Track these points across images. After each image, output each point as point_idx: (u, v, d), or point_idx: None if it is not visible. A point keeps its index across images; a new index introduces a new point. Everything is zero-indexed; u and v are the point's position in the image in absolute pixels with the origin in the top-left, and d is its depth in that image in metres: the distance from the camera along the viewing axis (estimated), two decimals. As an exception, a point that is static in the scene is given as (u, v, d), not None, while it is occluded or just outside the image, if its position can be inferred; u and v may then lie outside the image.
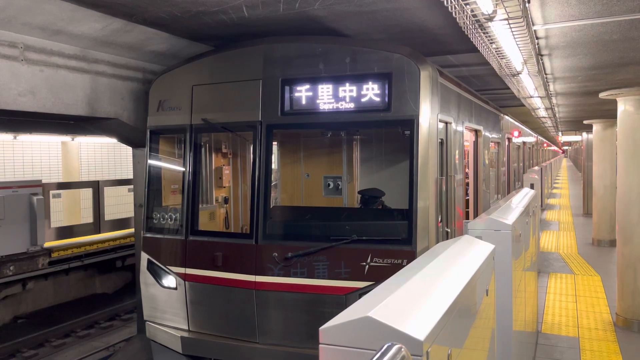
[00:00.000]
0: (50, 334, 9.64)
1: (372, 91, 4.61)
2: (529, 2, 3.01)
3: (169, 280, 5.23)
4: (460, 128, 5.83)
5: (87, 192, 13.48)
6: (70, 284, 11.40)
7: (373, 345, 1.47)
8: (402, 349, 1.30)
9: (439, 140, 4.88)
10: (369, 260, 4.43)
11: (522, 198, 5.55)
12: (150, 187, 5.55)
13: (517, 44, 3.80)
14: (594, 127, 12.98)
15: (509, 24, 3.12)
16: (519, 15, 2.95)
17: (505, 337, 3.47)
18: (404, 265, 3.15)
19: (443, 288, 2.10)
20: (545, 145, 34.98)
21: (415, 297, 1.95)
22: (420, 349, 1.49)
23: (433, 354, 1.59)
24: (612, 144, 12.20)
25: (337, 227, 4.90)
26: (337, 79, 4.71)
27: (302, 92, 4.83)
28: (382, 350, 1.29)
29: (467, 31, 3.24)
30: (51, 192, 12.27)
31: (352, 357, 1.55)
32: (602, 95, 7.44)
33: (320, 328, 1.61)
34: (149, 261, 5.38)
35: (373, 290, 2.04)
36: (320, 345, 1.59)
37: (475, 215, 7.24)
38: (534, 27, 3.67)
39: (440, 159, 4.92)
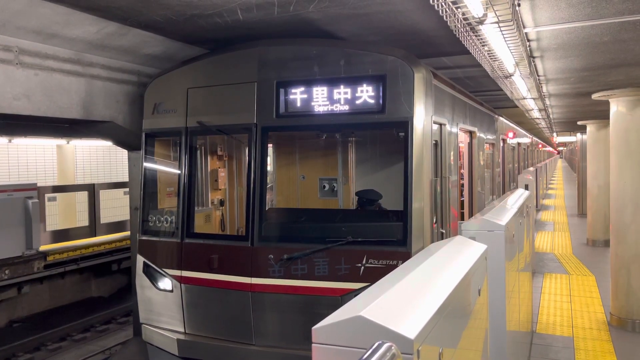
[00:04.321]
0: (46, 337, 9.60)
1: (366, 93, 4.63)
2: (519, 5, 3.05)
3: (165, 283, 5.23)
4: (454, 129, 5.86)
5: (83, 195, 13.45)
6: (66, 287, 11.36)
7: (365, 344, 1.49)
8: (393, 347, 1.33)
9: (434, 142, 4.91)
10: (364, 262, 4.45)
11: (516, 199, 5.59)
12: (145, 189, 5.55)
13: (509, 47, 3.84)
14: (588, 128, 13.07)
15: (499, 26, 3.16)
16: (509, 18, 2.98)
17: (498, 337, 3.50)
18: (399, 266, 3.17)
19: (435, 288, 2.13)
20: (540, 146, 35.13)
21: (407, 297, 1.98)
22: (411, 348, 1.51)
23: (424, 353, 1.61)
24: (605, 144, 12.25)
25: (332, 229, 4.92)
26: (332, 81, 4.73)
27: (297, 95, 4.86)
28: (373, 348, 1.31)
29: (459, 34, 3.28)
30: (46, 195, 12.23)
31: (344, 356, 1.57)
32: (594, 96, 7.50)
33: (313, 327, 1.63)
34: (145, 264, 5.38)
35: (366, 290, 2.06)
36: (313, 345, 1.61)
37: (470, 216, 7.28)
38: (525, 30, 3.71)
39: (434, 161, 4.95)
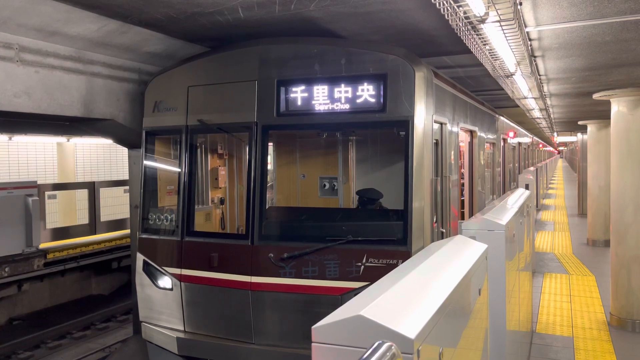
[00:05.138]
0: (46, 335, 9.61)
1: (367, 92, 4.63)
2: (520, 4, 3.04)
3: (165, 281, 5.23)
4: (455, 129, 5.86)
5: (83, 193, 13.46)
6: (66, 285, 11.37)
7: (365, 344, 1.49)
8: (393, 347, 1.32)
9: (434, 141, 4.91)
10: (364, 261, 4.44)
11: (516, 198, 5.59)
12: (146, 188, 5.55)
13: (510, 46, 3.83)
14: (589, 128, 13.06)
15: (501, 25, 3.15)
16: (511, 17, 2.98)
17: (498, 337, 3.50)
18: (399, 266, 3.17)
19: (435, 287, 2.12)
20: (540, 145, 35.13)
21: (407, 296, 1.97)
22: (411, 347, 1.51)
23: (424, 353, 1.60)
24: (606, 144, 12.24)
25: (332, 228, 4.91)
26: (333, 80, 4.72)
27: (298, 93, 4.85)
28: (373, 348, 1.31)
29: (460, 33, 3.27)
30: (47, 193, 12.23)
31: (344, 355, 1.56)
32: (595, 96, 7.49)
33: (313, 327, 1.62)
34: (145, 262, 5.38)
35: (366, 289, 2.06)
36: (312, 344, 1.61)
37: (471, 215, 7.28)
38: (527, 29, 3.71)
39: (435, 160, 4.94)
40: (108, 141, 15.09)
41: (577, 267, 10.18)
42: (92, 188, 12.89)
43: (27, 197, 10.31)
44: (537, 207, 18.97)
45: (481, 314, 2.84)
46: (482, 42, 3.67)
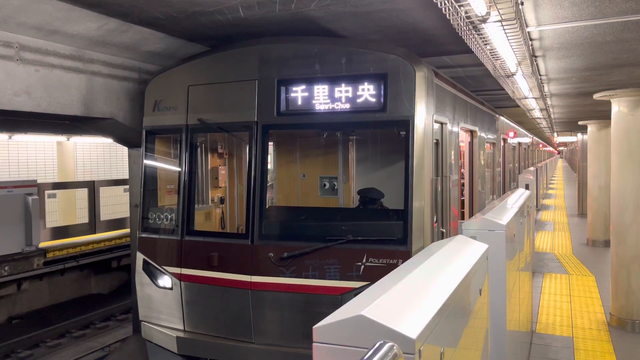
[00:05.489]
0: (46, 334, 9.61)
1: (367, 92, 4.62)
2: (522, 4, 3.04)
3: (165, 281, 5.23)
4: (455, 129, 5.85)
5: (83, 192, 13.45)
6: (66, 284, 11.37)
7: (366, 344, 1.48)
8: (394, 347, 1.32)
9: (435, 141, 4.90)
10: (364, 261, 4.44)
11: (517, 198, 5.58)
12: (146, 187, 5.55)
13: (511, 46, 3.83)
14: (589, 128, 13.05)
15: (502, 25, 3.15)
16: (512, 17, 2.97)
17: (499, 337, 3.50)
18: (399, 266, 3.17)
19: (436, 287, 2.12)
20: (540, 146, 35.15)
21: (408, 297, 1.97)
22: (413, 347, 1.51)
23: (425, 353, 1.60)
24: (606, 144, 12.23)
25: (332, 228, 4.91)
26: (333, 80, 4.72)
27: (298, 93, 4.85)
28: (374, 348, 1.30)
29: (461, 33, 3.26)
30: (46, 192, 12.22)
31: (345, 355, 1.56)
32: (596, 96, 7.49)
33: (314, 327, 1.62)
34: (145, 261, 5.37)
35: (367, 289, 2.05)
36: (314, 344, 1.60)
37: (471, 215, 7.27)
38: (528, 29, 3.70)
39: (435, 160, 4.94)
40: (108, 140, 15.08)
41: (577, 267, 10.18)
42: (92, 187, 12.88)
43: (27, 196, 10.30)
44: (537, 207, 18.98)
45: (482, 314, 2.84)
46: (483, 41, 3.67)
